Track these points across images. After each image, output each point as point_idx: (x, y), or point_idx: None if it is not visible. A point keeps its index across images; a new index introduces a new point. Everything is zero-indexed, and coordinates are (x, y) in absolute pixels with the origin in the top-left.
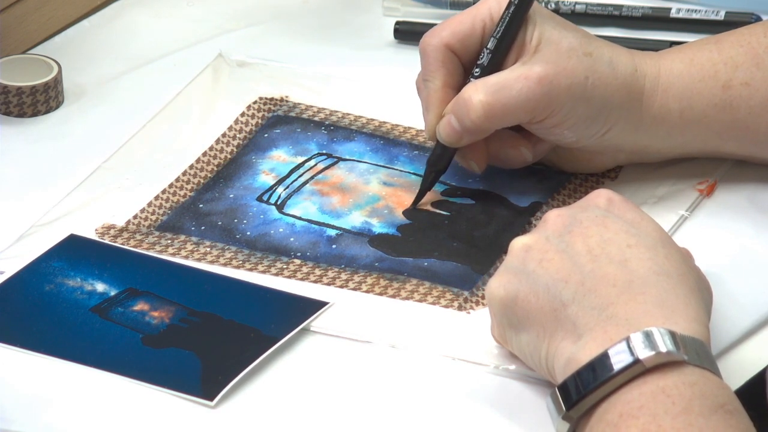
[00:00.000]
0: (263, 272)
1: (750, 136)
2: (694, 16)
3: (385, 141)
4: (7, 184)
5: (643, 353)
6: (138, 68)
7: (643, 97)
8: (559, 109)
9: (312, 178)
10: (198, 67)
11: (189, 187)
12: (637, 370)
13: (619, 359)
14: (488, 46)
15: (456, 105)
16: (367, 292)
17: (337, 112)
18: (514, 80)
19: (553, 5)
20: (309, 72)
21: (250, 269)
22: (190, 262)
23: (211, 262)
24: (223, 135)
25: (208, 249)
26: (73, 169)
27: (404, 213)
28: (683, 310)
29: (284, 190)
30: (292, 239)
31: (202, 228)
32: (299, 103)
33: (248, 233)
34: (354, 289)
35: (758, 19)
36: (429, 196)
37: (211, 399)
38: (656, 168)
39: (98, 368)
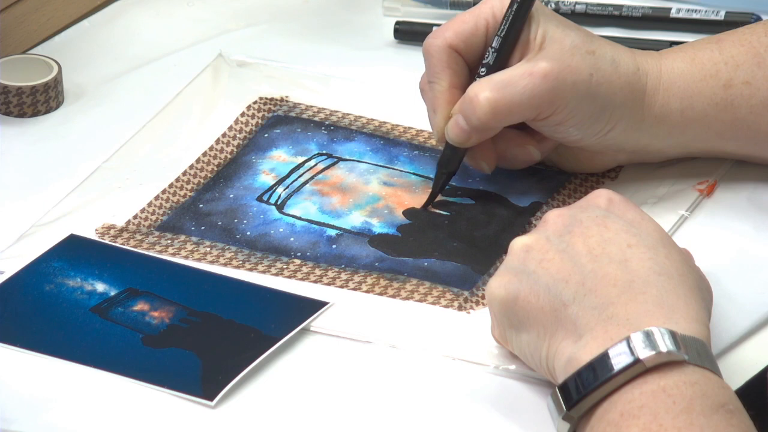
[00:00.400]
0: (263, 272)
1: (751, 135)
2: (694, 16)
3: (385, 141)
4: (7, 184)
5: (644, 353)
6: (138, 68)
7: (645, 96)
8: (564, 106)
9: (312, 178)
10: (198, 67)
11: (189, 187)
12: (638, 370)
13: (619, 359)
14: (493, 45)
15: (463, 104)
16: (367, 292)
17: (337, 112)
18: (520, 77)
19: (553, 5)
20: (309, 72)
21: (250, 269)
22: (190, 262)
23: (211, 262)
24: (223, 135)
25: (208, 249)
26: (73, 169)
27: (404, 213)
28: (684, 309)
29: (284, 190)
30: (292, 239)
31: (202, 228)
32: (299, 103)
33: (248, 233)
34: (354, 289)
35: (758, 18)
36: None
37: (211, 399)
38: (656, 168)
39: (98, 368)
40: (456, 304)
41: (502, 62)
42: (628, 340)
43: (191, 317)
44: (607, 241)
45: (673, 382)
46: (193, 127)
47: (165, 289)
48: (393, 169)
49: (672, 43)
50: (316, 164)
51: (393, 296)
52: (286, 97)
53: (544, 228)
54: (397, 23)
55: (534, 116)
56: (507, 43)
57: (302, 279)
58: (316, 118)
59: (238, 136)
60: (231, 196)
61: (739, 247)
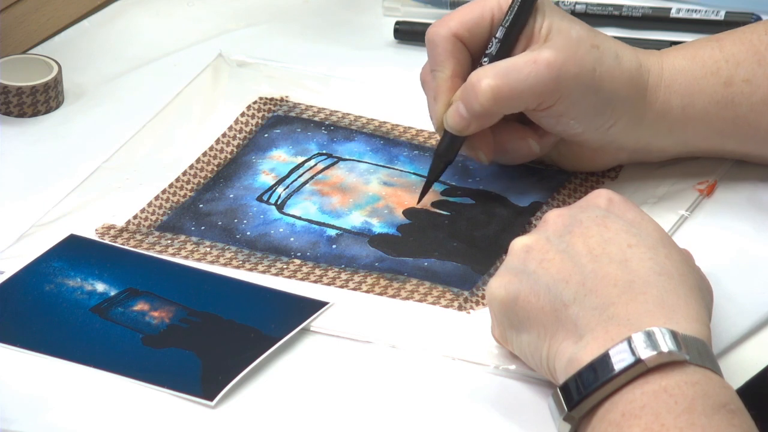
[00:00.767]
0: (263, 272)
1: (751, 133)
2: (694, 16)
3: (385, 141)
4: (7, 184)
5: (645, 353)
6: (138, 68)
7: (647, 93)
8: (566, 96)
9: (312, 178)
10: (198, 67)
11: (189, 187)
12: (639, 370)
13: (620, 359)
14: (497, 35)
15: (464, 90)
16: (367, 292)
17: (337, 112)
18: (523, 64)
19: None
20: (309, 72)
21: (250, 269)
22: (190, 262)
23: (211, 262)
24: (223, 135)
25: (208, 249)
26: (73, 169)
27: (404, 213)
28: (684, 309)
29: (284, 190)
30: (292, 239)
31: (202, 228)
32: (299, 103)
33: (248, 233)
34: (354, 289)
35: (758, 18)
36: (429, 196)
37: (211, 399)
38: (656, 168)
39: (98, 368)
40: (456, 304)
41: (505, 53)
42: (629, 340)
43: (191, 317)
44: (608, 241)
45: (675, 382)
46: (193, 127)
47: (165, 289)
48: (393, 169)
49: (672, 43)
50: (316, 164)
51: (393, 296)
52: (286, 97)
53: (544, 228)
54: (397, 23)
55: (536, 105)
56: (512, 33)
57: (302, 279)
58: (316, 118)
59: (238, 136)
60: (231, 196)
61: (739, 247)
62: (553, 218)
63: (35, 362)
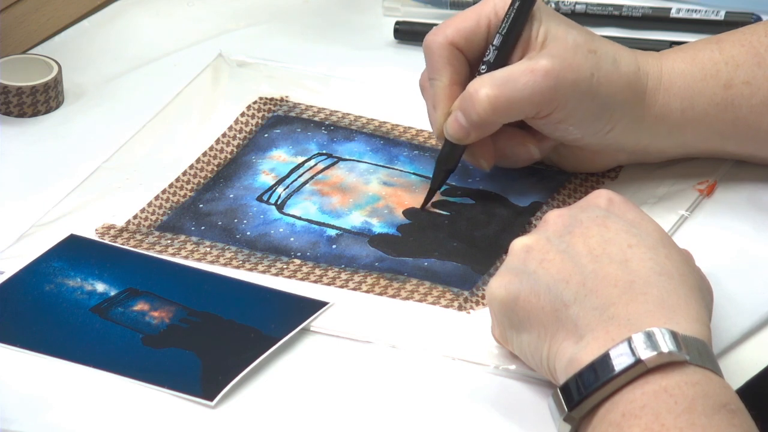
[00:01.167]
0: (263, 272)
1: (751, 135)
2: (694, 16)
3: (385, 141)
4: (7, 184)
5: (645, 353)
6: (138, 68)
7: (646, 96)
8: (564, 104)
9: (312, 178)
10: (198, 67)
11: (189, 187)
12: (639, 371)
13: (620, 360)
14: (494, 43)
15: (462, 101)
16: (367, 292)
17: (337, 112)
18: (520, 73)
19: (553, 5)
20: (309, 72)
21: (250, 269)
22: (190, 262)
23: (211, 262)
24: (223, 135)
25: (208, 249)
26: (73, 169)
27: (404, 213)
28: (684, 310)
29: (284, 190)
30: (292, 239)
31: (202, 228)
32: (299, 103)
33: (248, 233)
34: (354, 289)
35: (758, 19)
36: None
37: (211, 399)
38: (656, 168)
39: (98, 368)
40: (456, 304)
41: (503, 60)
42: (629, 340)
43: (191, 317)
44: (608, 241)
45: (675, 382)
46: (193, 127)
47: (165, 289)
48: (393, 169)
49: (672, 43)
50: (316, 164)
51: (393, 296)
52: (286, 97)
53: (544, 228)
54: (397, 23)
55: (534, 114)
56: (509, 40)
57: (302, 279)
58: (316, 118)
59: (238, 136)
60: (231, 196)
61: (739, 247)
62: (554, 218)
63: (35, 362)
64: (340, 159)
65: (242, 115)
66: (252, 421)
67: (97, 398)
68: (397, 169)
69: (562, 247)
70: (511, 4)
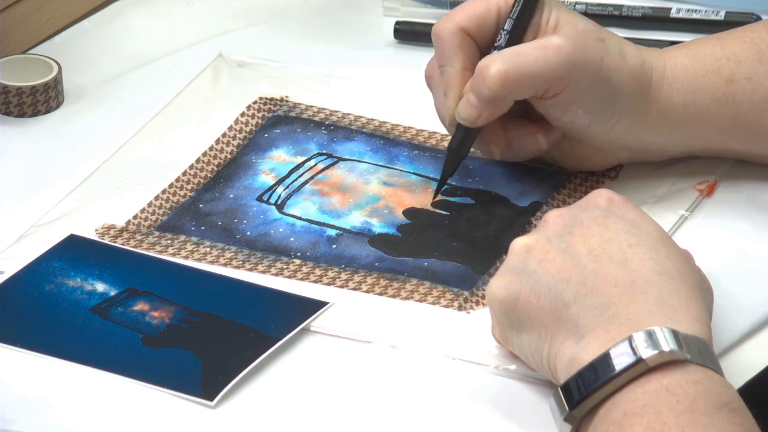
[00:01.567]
0: (263, 272)
1: (752, 131)
2: (694, 16)
3: (385, 141)
4: (7, 184)
5: (646, 352)
6: (138, 68)
7: (650, 90)
8: (575, 83)
9: (312, 178)
10: (198, 67)
11: (189, 187)
12: (640, 369)
13: (621, 359)
14: (505, 27)
15: (473, 80)
16: (367, 292)
17: (337, 112)
18: (532, 49)
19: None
20: (309, 72)
21: (250, 269)
22: (190, 262)
23: (211, 262)
24: (223, 135)
25: (208, 249)
26: (73, 169)
27: (404, 213)
28: (685, 309)
29: (284, 190)
30: (292, 239)
31: (202, 228)
32: (299, 103)
33: (248, 233)
34: (354, 289)
35: (758, 18)
36: (429, 196)
37: (211, 399)
38: (656, 168)
39: (98, 368)
40: (456, 304)
41: (514, 45)
42: (630, 339)
43: (191, 317)
44: (608, 241)
45: (676, 381)
46: (193, 127)
47: (165, 289)
48: (393, 168)
49: (672, 44)
50: (316, 164)
51: (393, 296)
52: (286, 97)
53: (544, 228)
54: (397, 23)
55: (544, 91)
56: (519, 25)
57: (302, 279)
58: (316, 118)
59: (238, 136)
60: (231, 196)
61: (739, 247)
62: (553, 218)
63: (35, 362)
64: (340, 159)
65: (242, 115)
66: (252, 421)
67: (97, 398)
68: (397, 169)
69: (562, 246)
70: None
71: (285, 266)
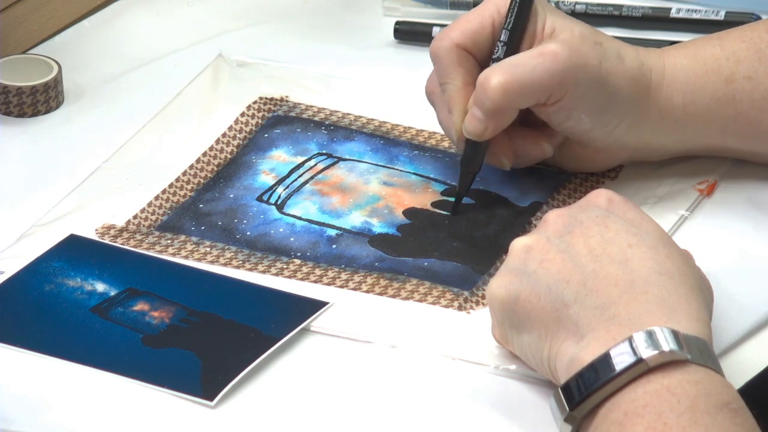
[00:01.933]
0: (263, 272)
1: (752, 130)
2: (694, 16)
3: (385, 141)
4: (7, 184)
5: (646, 352)
6: (138, 68)
7: (650, 91)
8: (574, 88)
9: (312, 178)
10: (198, 67)
11: (189, 187)
12: (641, 370)
13: (621, 359)
14: (501, 39)
15: (475, 94)
16: (367, 292)
17: (337, 112)
18: (530, 57)
19: (552, 4)
20: (309, 72)
21: (250, 269)
22: (190, 262)
23: (211, 262)
24: (223, 135)
25: (208, 249)
26: (73, 169)
27: (404, 213)
28: (685, 309)
29: (284, 190)
30: (292, 239)
31: (202, 228)
32: (299, 103)
33: (248, 233)
34: (354, 289)
35: (758, 18)
36: (429, 196)
37: (211, 399)
38: (656, 168)
39: (98, 368)
40: (456, 304)
41: (512, 55)
42: (630, 339)
43: (191, 317)
44: (608, 241)
45: (677, 381)
46: (193, 127)
47: (165, 289)
48: (393, 168)
49: (672, 43)
50: (316, 164)
51: (393, 296)
52: (286, 97)
53: (544, 228)
54: (397, 23)
55: (545, 98)
56: (515, 35)
57: (302, 279)
58: (316, 118)
59: (238, 136)
60: (231, 196)
61: (739, 247)
62: (553, 218)
63: (35, 362)
64: (340, 159)
65: (242, 115)
66: (252, 421)
67: (97, 398)
68: (397, 169)
69: (563, 247)
70: (513, 0)
71: (285, 266)
